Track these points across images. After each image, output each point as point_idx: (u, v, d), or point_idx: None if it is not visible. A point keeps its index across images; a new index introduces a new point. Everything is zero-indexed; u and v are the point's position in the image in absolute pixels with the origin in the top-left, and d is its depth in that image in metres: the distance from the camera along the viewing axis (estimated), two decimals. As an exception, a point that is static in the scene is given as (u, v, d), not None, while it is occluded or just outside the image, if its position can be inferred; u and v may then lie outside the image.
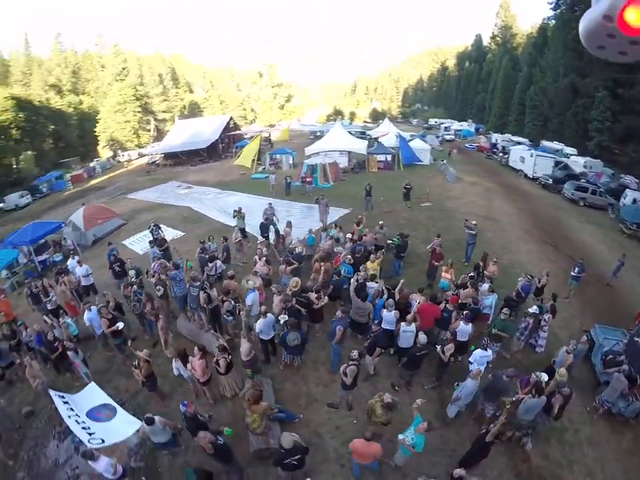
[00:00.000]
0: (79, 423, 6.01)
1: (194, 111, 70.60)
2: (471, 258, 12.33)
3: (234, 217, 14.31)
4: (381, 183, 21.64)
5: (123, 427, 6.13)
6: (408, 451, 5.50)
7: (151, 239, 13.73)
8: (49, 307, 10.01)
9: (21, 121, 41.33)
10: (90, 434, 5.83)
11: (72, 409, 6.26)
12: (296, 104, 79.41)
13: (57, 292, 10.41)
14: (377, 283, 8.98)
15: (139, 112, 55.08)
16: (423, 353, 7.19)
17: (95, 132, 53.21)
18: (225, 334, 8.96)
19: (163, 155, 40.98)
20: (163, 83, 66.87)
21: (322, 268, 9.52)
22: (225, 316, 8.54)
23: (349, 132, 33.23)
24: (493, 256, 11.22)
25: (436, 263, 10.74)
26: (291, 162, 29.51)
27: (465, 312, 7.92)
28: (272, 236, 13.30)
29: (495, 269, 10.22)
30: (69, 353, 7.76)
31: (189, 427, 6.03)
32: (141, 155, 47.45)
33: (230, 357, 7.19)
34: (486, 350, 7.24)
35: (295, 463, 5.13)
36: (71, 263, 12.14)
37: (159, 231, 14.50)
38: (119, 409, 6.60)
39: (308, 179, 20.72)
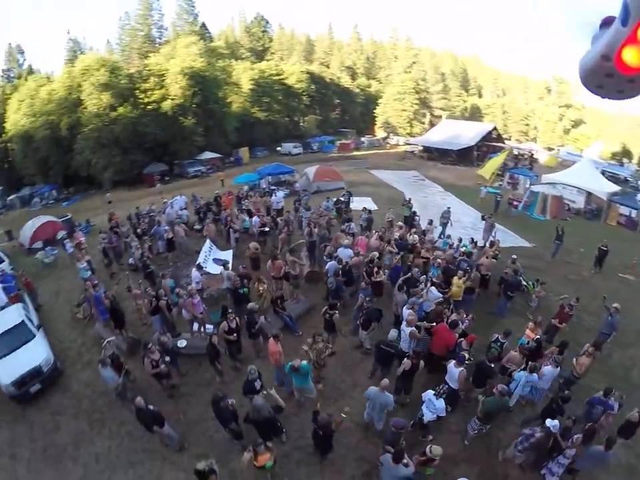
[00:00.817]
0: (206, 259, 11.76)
1: (475, 115, 71.39)
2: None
3: (402, 205, 16.87)
4: (599, 238, 17.10)
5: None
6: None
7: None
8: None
9: (312, 91, 56.46)
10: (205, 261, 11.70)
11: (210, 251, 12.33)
12: (584, 131, 67.46)
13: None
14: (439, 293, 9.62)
15: (416, 104, 60.98)
16: (392, 352, 7.65)
17: (374, 113, 63.03)
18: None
19: (422, 147, 45.72)
20: (444, 82, 70.54)
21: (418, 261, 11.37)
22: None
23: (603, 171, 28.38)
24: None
25: (557, 324, 9.53)
26: (527, 185, 28.22)
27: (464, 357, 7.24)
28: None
29: (586, 362, 7.88)
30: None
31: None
32: (406, 143, 53.54)
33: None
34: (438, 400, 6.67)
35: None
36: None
37: (350, 197, 19.07)
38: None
39: (515, 202, 20.18)
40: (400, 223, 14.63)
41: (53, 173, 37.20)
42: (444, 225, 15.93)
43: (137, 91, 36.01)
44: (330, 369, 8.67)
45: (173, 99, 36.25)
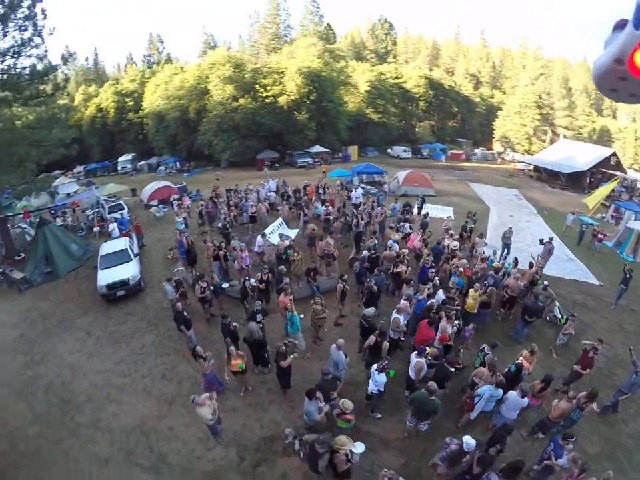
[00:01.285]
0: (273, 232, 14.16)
1: (603, 138, 63.27)
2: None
3: (467, 216, 17.14)
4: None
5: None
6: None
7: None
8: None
9: (430, 97, 55.75)
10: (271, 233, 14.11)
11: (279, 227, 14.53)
12: None
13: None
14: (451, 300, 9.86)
15: (537, 119, 56.39)
16: (367, 326, 8.63)
17: (492, 125, 60.13)
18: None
19: (533, 167, 43.18)
20: (570, 98, 63.57)
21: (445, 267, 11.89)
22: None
23: None
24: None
25: (580, 369, 8.56)
26: (632, 219, 25.32)
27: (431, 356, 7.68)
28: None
29: (564, 407, 7.26)
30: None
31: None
32: (517, 160, 50.56)
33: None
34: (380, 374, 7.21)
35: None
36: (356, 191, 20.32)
37: (423, 204, 19.98)
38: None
39: (600, 235, 18.53)
40: (452, 231, 14.98)
41: (179, 148, 44.63)
42: (506, 246, 15.49)
43: (258, 86, 40.69)
44: (330, 338, 9.80)
45: (288, 95, 40.17)
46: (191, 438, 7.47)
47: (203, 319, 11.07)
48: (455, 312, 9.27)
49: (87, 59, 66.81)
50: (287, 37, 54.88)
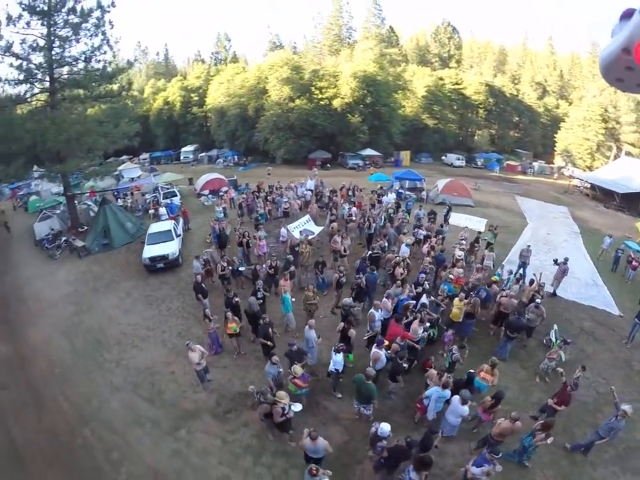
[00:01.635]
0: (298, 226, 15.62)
1: None
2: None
3: (488, 229, 17.32)
4: None
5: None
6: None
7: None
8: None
9: (489, 104, 53.86)
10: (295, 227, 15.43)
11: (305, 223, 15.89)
12: None
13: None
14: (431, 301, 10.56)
15: (601, 134, 51.86)
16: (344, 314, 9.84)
17: (555, 137, 56.34)
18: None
19: (589, 184, 40.91)
20: (639, 112, 57.60)
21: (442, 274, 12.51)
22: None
23: None
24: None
25: (554, 404, 7.99)
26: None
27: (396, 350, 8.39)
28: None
29: (505, 426, 7.11)
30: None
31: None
32: (572, 176, 48.02)
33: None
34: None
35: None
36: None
37: (449, 212, 20.26)
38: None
39: (635, 262, 17.59)
40: (464, 242, 15.31)
41: (238, 142, 47.85)
42: (522, 265, 14.97)
43: (313, 88, 42.27)
44: (323, 324, 10.96)
45: (342, 98, 41.50)
46: (186, 382, 9.26)
47: (221, 294, 12.63)
48: (433, 319, 9.98)
49: (157, 53, 73.87)
50: (349, 38, 56.16)
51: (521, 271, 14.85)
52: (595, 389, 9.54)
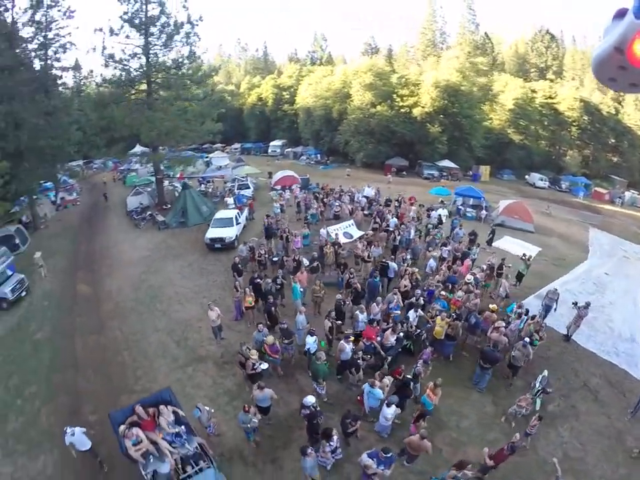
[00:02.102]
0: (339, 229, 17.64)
1: None
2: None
3: (521, 258, 16.57)
4: None
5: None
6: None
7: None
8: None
9: (583, 122, 48.84)
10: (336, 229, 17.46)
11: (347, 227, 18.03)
12: None
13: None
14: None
15: None
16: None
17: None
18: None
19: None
20: None
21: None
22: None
23: None
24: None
25: (488, 460, 7.53)
26: None
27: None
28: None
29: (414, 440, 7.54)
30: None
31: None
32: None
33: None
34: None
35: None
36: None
37: (492, 236, 20.54)
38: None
39: None
40: (484, 266, 15.55)
41: (322, 142, 50.72)
42: (547, 307, 13.82)
43: (395, 95, 42.98)
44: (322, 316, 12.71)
45: (423, 107, 41.65)
46: (206, 336, 12.29)
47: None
48: (410, 332, 11.16)
49: (257, 50, 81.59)
50: (442, 44, 55.55)
51: (538, 312, 13.61)
52: (565, 451, 8.85)
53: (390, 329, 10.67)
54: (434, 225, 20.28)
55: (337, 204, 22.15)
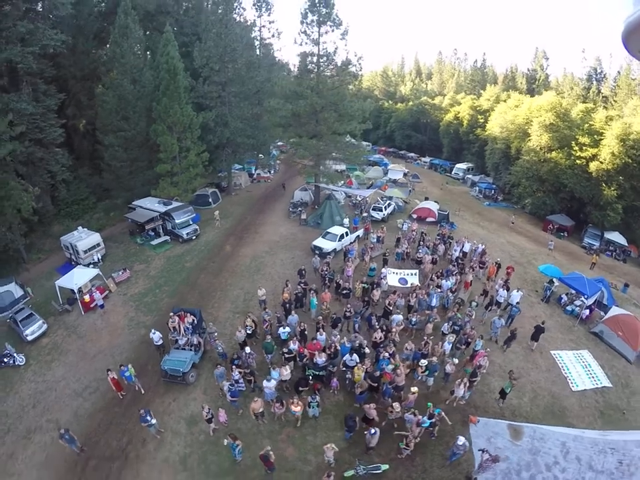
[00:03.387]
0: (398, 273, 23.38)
1: None
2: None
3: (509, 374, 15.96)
4: None
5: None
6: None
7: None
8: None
9: None
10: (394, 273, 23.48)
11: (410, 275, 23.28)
12: None
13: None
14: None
15: None
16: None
17: None
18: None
19: None
20: None
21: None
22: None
23: None
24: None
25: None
26: None
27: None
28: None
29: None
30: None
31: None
32: None
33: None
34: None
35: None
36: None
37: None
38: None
39: None
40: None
41: (498, 177, 50.25)
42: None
43: (574, 142, 37.47)
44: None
45: (601, 163, 35.29)
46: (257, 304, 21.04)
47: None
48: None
49: (475, 61, 79.69)
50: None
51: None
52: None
53: (323, 353, 15.55)
54: (486, 305, 20.45)
55: (425, 250, 24.45)
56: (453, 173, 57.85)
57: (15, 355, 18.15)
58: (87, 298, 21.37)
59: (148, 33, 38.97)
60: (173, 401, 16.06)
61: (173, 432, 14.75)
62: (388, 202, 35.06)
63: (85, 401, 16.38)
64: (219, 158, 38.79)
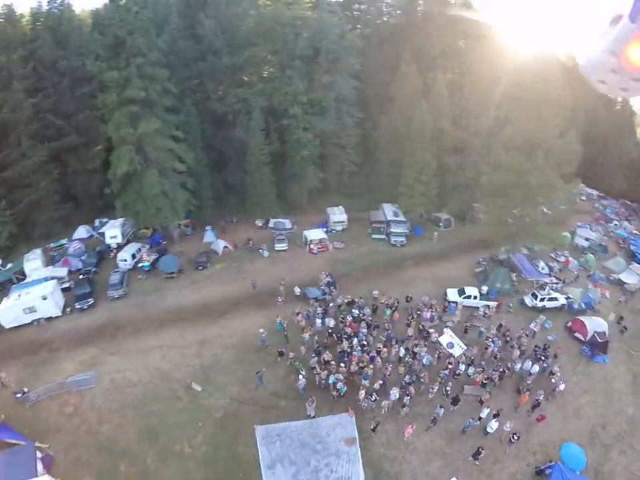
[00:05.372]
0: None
1: None
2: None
3: None
4: None
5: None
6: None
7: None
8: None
9: None
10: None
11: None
12: None
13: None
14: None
15: None
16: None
17: None
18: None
19: None
20: None
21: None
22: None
23: None
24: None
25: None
26: None
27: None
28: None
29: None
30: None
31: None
32: None
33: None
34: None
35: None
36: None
37: None
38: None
39: None
40: None
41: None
42: None
43: None
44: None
45: None
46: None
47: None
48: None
49: None
50: None
51: None
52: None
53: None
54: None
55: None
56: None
57: (264, 249, 40.20)
58: (312, 247, 40.72)
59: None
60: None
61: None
62: (552, 296, 32.51)
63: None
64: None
